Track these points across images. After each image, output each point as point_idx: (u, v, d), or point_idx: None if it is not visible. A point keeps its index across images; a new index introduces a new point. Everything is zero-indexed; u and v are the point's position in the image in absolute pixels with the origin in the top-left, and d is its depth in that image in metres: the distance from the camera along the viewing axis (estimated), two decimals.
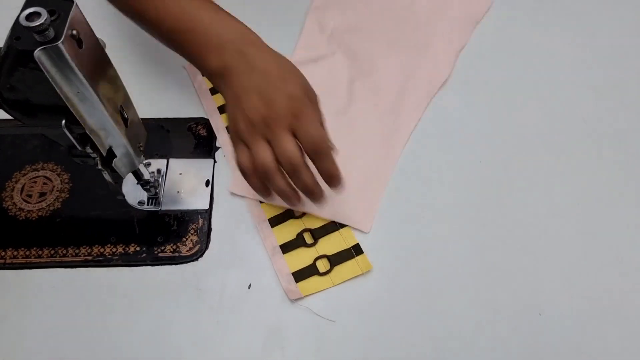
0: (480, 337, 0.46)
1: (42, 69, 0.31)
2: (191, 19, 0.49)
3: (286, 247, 0.50)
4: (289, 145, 0.43)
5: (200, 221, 0.51)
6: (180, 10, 0.49)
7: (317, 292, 0.47)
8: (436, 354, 0.45)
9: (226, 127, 0.56)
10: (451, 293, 0.48)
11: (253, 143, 0.44)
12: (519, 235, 0.51)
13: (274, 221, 0.51)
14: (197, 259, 0.49)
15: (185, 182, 0.53)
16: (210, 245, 0.50)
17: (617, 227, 0.52)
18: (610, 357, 0.45)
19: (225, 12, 0.50)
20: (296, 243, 0.50)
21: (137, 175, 0.48)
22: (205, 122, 0.58)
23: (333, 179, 0.45)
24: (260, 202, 0.52)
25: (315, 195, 0.46)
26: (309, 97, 0.46)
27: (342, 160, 0.46)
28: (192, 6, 0.49)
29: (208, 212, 0.52)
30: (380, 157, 0.56)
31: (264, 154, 0.44)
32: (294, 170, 0.44)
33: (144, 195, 0.52)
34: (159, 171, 0.53)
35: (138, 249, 0.49)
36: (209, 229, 0.51)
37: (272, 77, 0.45)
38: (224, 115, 0.57)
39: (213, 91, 0.59)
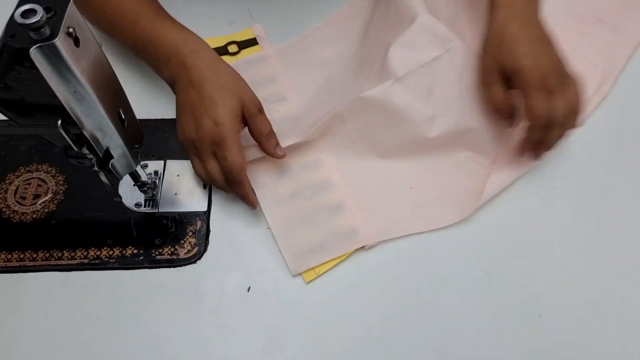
0: (481, 338, 0.46)
1: (38, 67, 0.30)
2: (146, 31, 0.51)
3: None
4: (214, 169, 0.49)
5: (199, 223, 0.50)
6: (134, 22, 0.51)
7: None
8: (437, 355, 0.45)
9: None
10: (452, 294, 0.48)
11: (194, 157, 0.50)
12: (519, 236, 0.51)
13: None
14: (195, 262, 0.48)
15: (183, 183, 0.53)
16: (209, 247, 0.49)
17: (617, 227, 0.52)
18: (610, 358, 0.45)
19: (172, 20, 0.52)
20: None
21: (134, 176, 0.47)
22: None
23: (247, 202, 0.50)
24: None
25: (249, 204, 0.50)
26: (250, 112, 0.49)
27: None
28: (147, 18, 0.51)
29: (206, 214, 0.51)
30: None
31: (199, 169, 0.50)
32: (228, 184, 0.49)
33: (141, 197, 0.51)
34: (156, 173, 0.52)
35: (135, 251, 0.48)
36: (207, 231, 0.50)
37: (204, 97, 0.48)
38: None
39: None
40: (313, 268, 0.48)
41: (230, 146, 0.47)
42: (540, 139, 0.49)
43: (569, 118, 0.48)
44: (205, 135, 0.47)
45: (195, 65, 0.48)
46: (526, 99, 0.47)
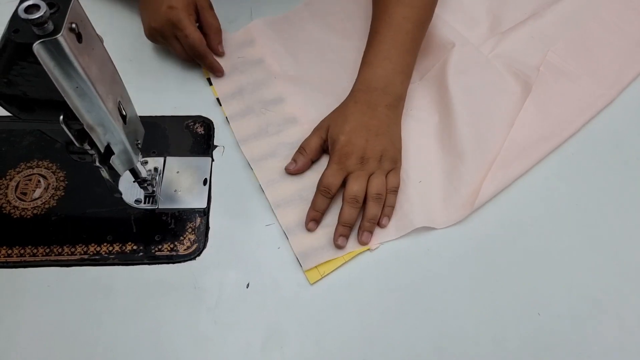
0: (480, 336, 0.46)
1: (41, 62, 0.30)
2: None
3: None
4: (178, 49, 0.58)
5: (198, 220, 0.51)
6: None
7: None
8: (436, 354, 0.45)
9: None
10: (451, 293, 0.48)
11: (161, 44, 0.60)
12: (518, 234, 0.51)
13: None
14: (194, 258, 0.49)
15: (183, 180, 0.53)
16: (208, 244, 0.49)
17: (616, 226, 0.52)
18: (608, 356, 0.45)
19: None
20: None
21: (135, 173, 0.47)
22: (202, 120, 0.57)
23: (213, 71, 0.59)
24: None
25: (215, 71, 0.60)
26: (201, 5, 0.57)
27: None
28: None
29: (206, 211, 0.51)
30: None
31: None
32: (194, 57, 0.59)
33: (140, 194, 0.51)
34: (156, 169, 0.53)
35: (135, 247, 0.48)
36: (207, 228, 0.50)
37: None
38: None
39: None
40: (317, 269, 0.48)
41: (187, 25, 0.55)
42: (318, 206, 0.50)
43: (353, 200, 0.49)
44: (163, 19, 0.55)
45: None
46: (326, 166, 0.52)
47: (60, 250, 0.48)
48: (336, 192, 0.50)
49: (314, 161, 0.54)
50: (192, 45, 0.56)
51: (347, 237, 0.49)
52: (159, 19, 0.55)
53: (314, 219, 0.50)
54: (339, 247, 0.49)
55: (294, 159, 0.53)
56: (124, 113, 0.40)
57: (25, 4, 0.29)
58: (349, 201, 0.49)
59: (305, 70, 0.62)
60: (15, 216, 0.49)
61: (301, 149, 0.54)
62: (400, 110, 0.55)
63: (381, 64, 0.54)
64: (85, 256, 0.48)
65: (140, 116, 0.44)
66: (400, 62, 0.55)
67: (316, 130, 0.55)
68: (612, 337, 0.46)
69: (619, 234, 0.52)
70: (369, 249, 0.50)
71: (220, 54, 0.61)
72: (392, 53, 0.55)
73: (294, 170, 0.53)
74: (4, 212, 0.49)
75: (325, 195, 0.50)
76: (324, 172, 0.51)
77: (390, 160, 0.52)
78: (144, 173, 0.49)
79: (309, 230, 0.50)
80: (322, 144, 0.54)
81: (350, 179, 0.50)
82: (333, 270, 0.48)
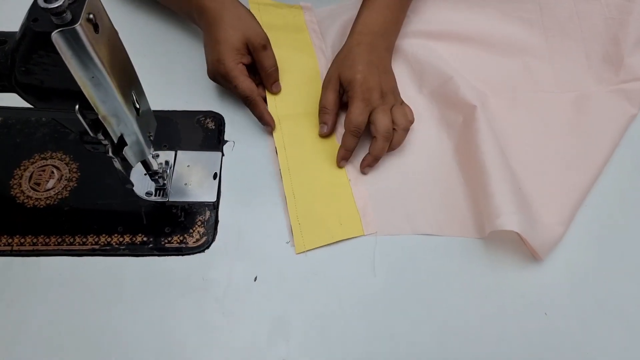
0: (486, 336, 0.46)
1: (59, 51, 0.31)
2: None
3: None
4: (236, 96, 0.57)
5: (207, 213, 0.51)
6: None
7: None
8: (440, 350, 0.45)
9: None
10: (456, 291, 0.48)
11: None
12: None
13: None
14: (203, 251, 0.49)
15: (193, 174, 0.53)
16: (217, 237, 0.50)
17: (622, 227, 0.52)
18: (614, 356, 0.45)
19: None
20: None
21: (146, 165, 0.48)
22: (213, 115, 0.58)
23: (263, 123, 0.57)
24: None
25: (265, 124, 0.57)
26: (254, 46, 0.56)
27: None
28: None
29: (215, 205, 0.52)
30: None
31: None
32: (246, 103, 0.57)
33: (151, 186, 0.52)
34: (166, 162, 0.53)
35: (145, 239, 0.49)
36: (216, 221, 0.51)
37: (212, 38, 0.55)
38: None
39: None
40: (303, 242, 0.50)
41: (235, 77, 0.54)
42: (349, 145, 0.54)
43: (387, 134, 0.52)
44: (215, 73, 0.56)
45: (210, 8, 0.56)
46: (349, 106, 0.54)
47: (72, 240, 0.49)
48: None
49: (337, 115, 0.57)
50: (242, 97, 0.56)
51: (372, 167, 0.54)
52: (210, 71, 0.57)
53: (344, 158, 0.54)
54: (364, 173, 0.55)
55: (324, 122, 0.56)
56: (138, 105, 0.40)
57: None
58: (384, 136, 0.52)
59: None
60: (28, 206, 0.50)
61: (324, 109, 0.56)
62: (391, 56, 0.60)
63: (382, 12, 0.58)
64: (97, 246, 0.48)
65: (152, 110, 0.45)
66: (396, 15, 0.60)
67: (327, 84, 0.56)
68: (619, 337, 0.46)
69: (626, 233, 0.52)
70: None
71: (275, 93, 0.59)
72: (391, 5, 0.59)
73: (328, 132, 0.56)
74: (18, 201, 0.50)
75: (355, 135, 0.53)
76: (349, 112, 0.53)
77: (399, 95, 0.57)
78: (155, 166, 0.50)
79: (340, 167, 0.54)
80: (337, 96, 0.56)
81: (379, 114, 0.52)
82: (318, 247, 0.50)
